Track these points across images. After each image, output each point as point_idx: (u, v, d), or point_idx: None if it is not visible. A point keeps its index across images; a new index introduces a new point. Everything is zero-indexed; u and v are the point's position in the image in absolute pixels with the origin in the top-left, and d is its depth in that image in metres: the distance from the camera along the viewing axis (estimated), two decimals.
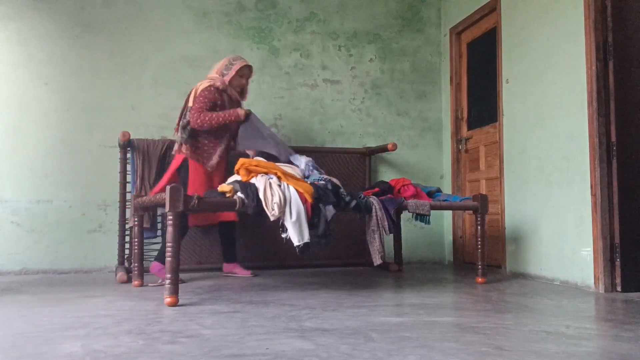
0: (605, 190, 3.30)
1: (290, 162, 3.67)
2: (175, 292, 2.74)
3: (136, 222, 3.49)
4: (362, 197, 3.36)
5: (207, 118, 3.59)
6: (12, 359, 1.74)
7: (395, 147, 4.58)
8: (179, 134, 3.70)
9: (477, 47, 4.83)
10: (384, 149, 4.65)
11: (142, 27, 4.55)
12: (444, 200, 3.71)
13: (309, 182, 3.25)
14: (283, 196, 3.00)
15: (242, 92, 3.85)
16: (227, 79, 3.72)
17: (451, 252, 5.04)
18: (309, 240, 3.01)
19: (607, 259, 3.27)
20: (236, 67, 3.73)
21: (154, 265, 3.65)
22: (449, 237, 5.09)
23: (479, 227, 3.64)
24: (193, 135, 3.68)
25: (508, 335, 2.07)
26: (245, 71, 3.79)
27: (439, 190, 3.90)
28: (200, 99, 3.62)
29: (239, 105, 3.86)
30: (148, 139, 4.26)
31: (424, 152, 5.17)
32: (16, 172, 4.21)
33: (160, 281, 3.51)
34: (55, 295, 3.08)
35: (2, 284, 3.58)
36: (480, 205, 3.59)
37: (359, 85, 5.04)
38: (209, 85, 3.68)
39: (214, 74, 3.75)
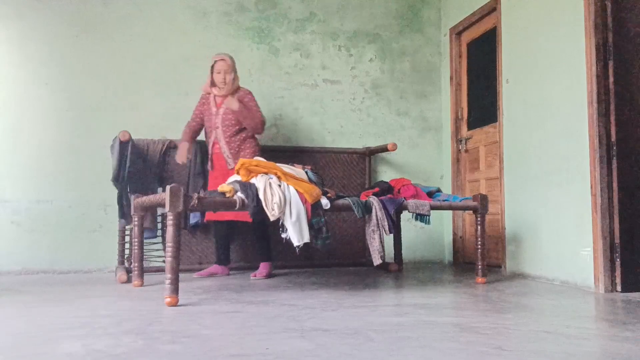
0: (605, 190, 3.30)
1: None
2: (175, 292, 2.74)
3: (136, 222, 3.49)
4: (360, 199, 3.36)
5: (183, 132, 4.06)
6: (12, 359, 1.73)
7: (395, 147, 4.58)
8: None
9: (477, 47, 4.83)
10: (384, 149, 4.65)
11: (142, 27, 4.55)
12: (444, 200, 3.71)
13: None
14: (283, 196, 3.00)
15: (226, 86, 3.85)
16: (208, 81, 3.89)
17: (451, 252, 5.04)
18: (309, 241, 3.01)
19: (607, 259, 3.27)
20: (210, 67, 3.85)
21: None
22: (449, 237, 5.09)
23: (479, 227, 3.64)
24: None
25: (508, 335, 2.07)
26: (217, 66, 3.83)
27: (439, 190, 3.90)
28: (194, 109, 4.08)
29: (221, 104, 3.90)
30: (148, 139, 4.26)
31: (424, 152, 5.17)
32: (16, 172, 4.21)
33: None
34: (55, 295, 3.08)
35: (2, 284, 3.58)
36: (480, 205, 3.59)
37: (359, 85, 5.04)
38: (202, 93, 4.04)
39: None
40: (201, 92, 4.04)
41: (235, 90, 3.92)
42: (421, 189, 3.72)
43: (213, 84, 3.87)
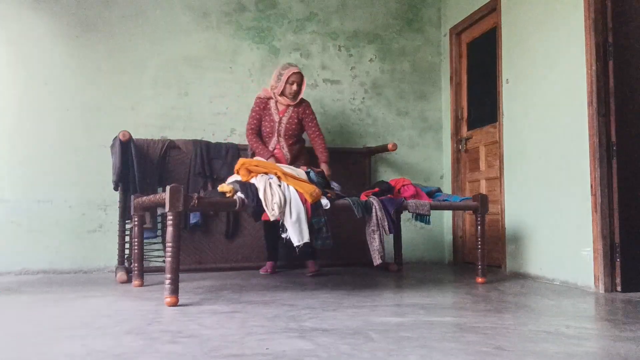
0: (605, 190, 3.30)
1: None
2: (175, 292, 2.74)
3: (136, 222, 3.49)
4: (361, 199, 3.36)
5: (249, 139, 4.02)
6: (12, 359, 1.73)
7: (395, 147, 4.58)
8: None
9: (477, 47, 4.83)
10: (384, 149, 4.64)
11: (142, 27, 4.55)
12: (444, 200, 3.71)
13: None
14: (283, 196, 3.00)
15: (295, 96, 4.01)
16: (278, 90, 3.98)
17: (451, 252, 5.04)
18: (308, 240, 3.01)
19: (607, 259, 3.27)
20: (285, 77, 3.95)
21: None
22: (449, 237, 5.09)
23: (479, 227, 3.64)
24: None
25: (508, 335, 2.07)
26: (294, 77, 3.96)
27: (439, 190, 3.90)
28: (251, 112, 4.08)
29: (284, 112, 4.04)
30: (148, 139, 4.26)
31: (424, 152, 5.17)
32: (16, 172, 4.21)
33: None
34: (55, 295, 3.08)
35: (2, 284, 3.58)
36: (480, 205, 3.59)
37: (359, 85, 5.04)
38: (257, 97, 4.10)
39: (270, 84, 4.05)
40: (258, 95, 4.09)
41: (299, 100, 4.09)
42: (421, 189, 3.72)
43: (282, 92, 3.99)
